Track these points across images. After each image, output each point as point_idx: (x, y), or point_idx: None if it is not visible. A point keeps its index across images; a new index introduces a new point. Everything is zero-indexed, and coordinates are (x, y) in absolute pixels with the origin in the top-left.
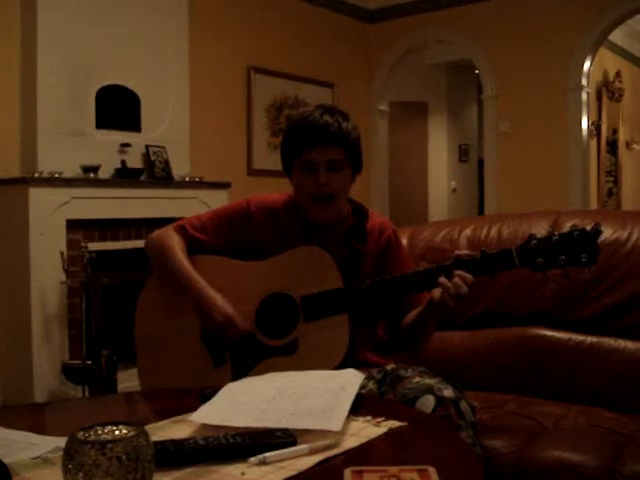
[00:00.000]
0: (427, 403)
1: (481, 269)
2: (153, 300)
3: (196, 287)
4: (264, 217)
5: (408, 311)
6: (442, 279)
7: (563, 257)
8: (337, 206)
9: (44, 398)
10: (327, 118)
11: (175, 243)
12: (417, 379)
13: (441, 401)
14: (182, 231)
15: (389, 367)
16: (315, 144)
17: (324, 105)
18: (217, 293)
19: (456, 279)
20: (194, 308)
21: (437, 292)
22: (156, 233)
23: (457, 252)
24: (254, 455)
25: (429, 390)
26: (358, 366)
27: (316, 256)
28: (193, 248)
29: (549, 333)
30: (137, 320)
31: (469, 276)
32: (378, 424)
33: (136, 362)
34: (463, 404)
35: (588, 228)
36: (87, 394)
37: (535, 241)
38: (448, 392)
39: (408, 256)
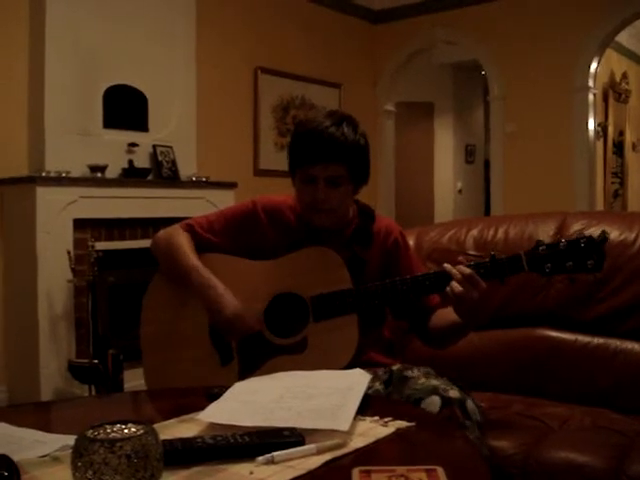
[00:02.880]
0: (433, 404)
1: (491, 274)
2: (159, 298)
3: (205, 282)
4: (270, 219)
5: (428, 311)
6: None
7: (570, 263)
8: (335, 217)
9: (50, 397)
10: (332, 131)
11: (183, 240)
12: (423, 380)
13: (447, 402)
14: (190, 230)
15: (395, 367)
16: (316, 161)
17: (334, 113)
18: (227, 289)
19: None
20: (202, 303)
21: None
22: (163, 231)
23: (461, 258)
24: (262, 454)
25: (434, 391)
26: (364, 366)
27: (326, 256)
28: (200, 248)
29: (555, 334)
30: (143, 317)
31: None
32: (386, 424)
33: (141, 360)
34: (469, 404)
35: (595, 235)
36: (93, 393)
37: (543, 247)
38: (454, 392)
39: (416, 258)
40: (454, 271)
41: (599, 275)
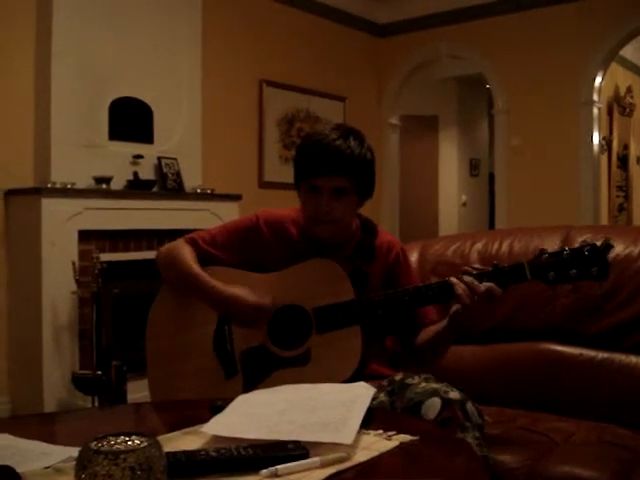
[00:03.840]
0: (433, 405)
1: (493, 282)
2: (164, 313)
3: (212, 287)
4: (273, 232)
5: (419, 327)
6: (470, 279)
7: (574, 271)
8: (337, 229)
9: (54, 408)
10: (339, 144)
11: (186, 252)
12: (423, 384)
13: (447, 403)
14: (193, 244)
15: (397, 377)
16: (320, 173)
17: (341, 126)
18: (231, 286)
19: (489, 285)
20: (216, 309)
21: (456, 304)
22: (166, 246)
23: (465, 267)
24: (266, 467)
25: (435, 393)
26: (368, 378)
27: (328, 268)
28: (203, 262)
29: (560, 348)
30: (148, 333)
31: (497, 288)
32: (389, 438)
33: (146, 374)
34: (469, 406)
35: (598, 243)
36: (96, 404)
37: (546, 255)
38: (454, 394)
39: (416, 275)
40: (458, 288)
41: (605, 285)
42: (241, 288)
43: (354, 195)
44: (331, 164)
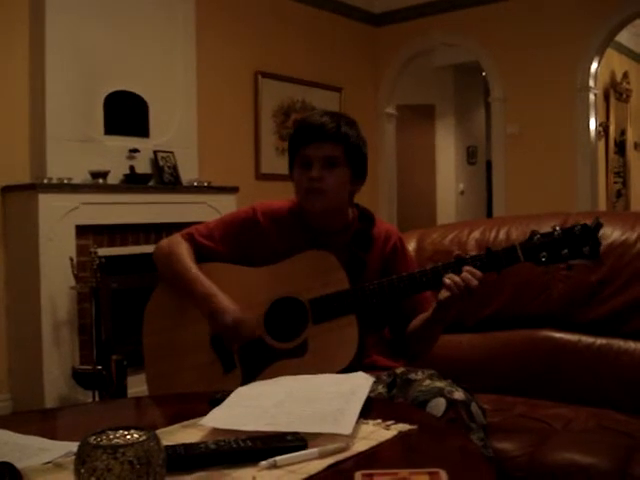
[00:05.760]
0: (438, 406)
1: (487, 265)
2: (160, 309)
3: (204, 291)
4: (270, 224)
5: (413, 316)
6: (448, 276)
7: (566, 251)
8: (329, 201)
9: (54, 403)
10: (326, 119)
11: (183, 250)
12: (427, 382)
13: (452, 404)
14: (190, 239)
15: (398, 370)
16: (311, 140)
17: (331, 112)
18: (225, 296)
19: (465, 274)
20: (202, 312)
21: (444, 292)
22: (164, 241)
23: (457, 252)
24: (265, 459)
25: (439, 393)
26: (367, 369)
27: (322, 259)
28: (201, 256)
29: (558, 335)
30: (145, 329)
31: (477, 271)
32: (388, 427)
33: (144, 370)
34: (474, 406)
35: (589, 223)
36: (97, 399)
37: (538, 236)
38: (459, 394)
39: (414, 263)
40: (455, 278)
41: (602, 271)
42: (231, 300)
43: (346, 167)
44: (320, 131)
